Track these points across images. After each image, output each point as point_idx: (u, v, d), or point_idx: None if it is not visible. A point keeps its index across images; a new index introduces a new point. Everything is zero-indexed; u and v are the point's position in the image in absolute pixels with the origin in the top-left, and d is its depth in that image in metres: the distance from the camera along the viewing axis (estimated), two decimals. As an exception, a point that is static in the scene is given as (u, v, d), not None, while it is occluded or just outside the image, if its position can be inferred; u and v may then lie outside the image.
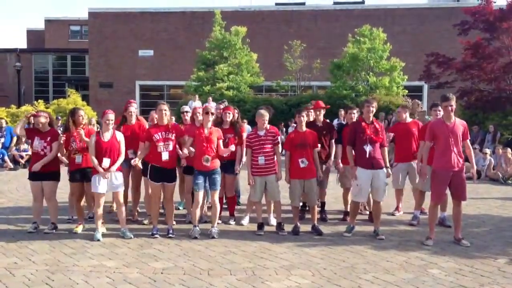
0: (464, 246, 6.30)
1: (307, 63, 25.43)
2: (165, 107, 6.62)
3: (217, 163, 6.72)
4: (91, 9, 33.36)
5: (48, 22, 40.70)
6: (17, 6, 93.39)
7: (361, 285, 5.03)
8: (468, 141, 6.53)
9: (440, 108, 7.28)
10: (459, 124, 6.37)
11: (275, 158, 7.00)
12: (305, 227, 7.06)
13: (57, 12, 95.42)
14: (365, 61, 23.04)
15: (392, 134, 7.95)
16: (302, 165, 6.78)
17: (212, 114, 6.73)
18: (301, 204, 7.60)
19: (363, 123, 6.70)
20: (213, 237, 6.53)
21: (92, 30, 33.51)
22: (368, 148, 6.58)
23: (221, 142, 6.77)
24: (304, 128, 6.94)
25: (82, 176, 6.92)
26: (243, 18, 29.24)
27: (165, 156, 6.53)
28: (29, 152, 14.96)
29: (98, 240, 6.39)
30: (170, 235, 6.61)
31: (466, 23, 20.02)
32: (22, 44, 52.96)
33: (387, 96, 21.97)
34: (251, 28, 26.68)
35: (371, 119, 6.72)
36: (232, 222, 7.46)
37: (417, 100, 9.51)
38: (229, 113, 7.39)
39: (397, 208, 8.30)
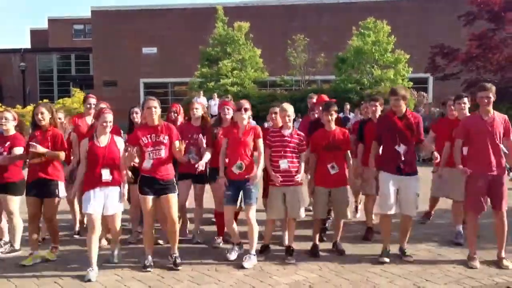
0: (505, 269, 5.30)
1: (311, 57, 25.34)
2: (154, 104, 5.29)
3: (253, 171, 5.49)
4: (94, 7, 33.38)
5: (51, 21, 40.81)
6: (20, 6, 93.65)
7: (369, 278, 5.02)
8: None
9: (465, 100, 6.33)
10: (499, 120, 5.41)
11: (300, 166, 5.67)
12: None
13: (60, 11, 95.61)
14: (369, 54, 22.92)
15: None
16: (332, 172, 5.67)
17: (246, 110, 5.48)
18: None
19: (394, 117, 5.48)
20: (243, 267, 5.30)
21: (96, 28, 33.54)
22: (401, 149, 5.39)
23: (260, 142, 5.53)
24: (334, 127, 5.80)
25: (39, 189, 5.46)
26: (246, 13, 29.14)
27: (148, 164, 5.24)
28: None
29: (89, 280, 4.95)
30: (178, 267, 5.28)
31: (471, 13, 19.91)
32: (26, 44, 53.20)
33: (392, 89, 21.86)
34: (254, 23, 26.59)
35: (403, 111, 5.50)
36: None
37: (422, 92, 9.40)
38: (228, 108, 6.02)
39: (428, 214, 7.29)
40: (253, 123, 7.22)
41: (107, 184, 5.19)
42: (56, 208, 5.62)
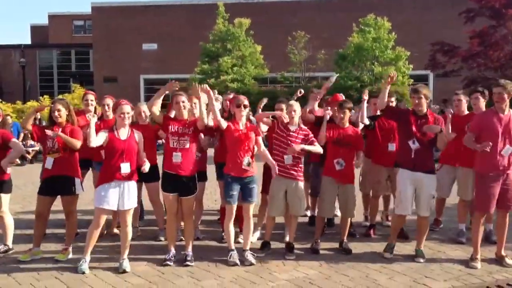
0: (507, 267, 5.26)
1: (312, 54, 25.33)
2: (182, 98, 5.28)
3: (255, 168, 5.47)
4: (94, 3, 33.35)
5: (51, 17, 40.77)
6: (21, 2, 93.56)
7: (369, 274, 5.02)
8: None
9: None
10: None
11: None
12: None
13: (60, 7, 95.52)
14: (370, 51, 22.94)
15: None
16: (337, 167, 5.65)
17: (246, 106, 5.40)
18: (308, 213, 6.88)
19: (412, 115, 5.44)
20: (251, 264, 5.27)
21: (96, 24, 33.53)
22: (414, 146, 5.34)
23: (260, 139, 5.49)
24: (347, 125, 5.78)
25: (54, 185, 5.37)
26: (247, 10, 29.11)
27: (176, 157, 5.22)
28: (36, 148, 15.07)
29: (83, 273, 4.99)
30: (188, 263, 5.25)
31: (472, 10, 19.87)
32: (26, 40, 53.16)
33: (393, 86, 21.81)
34: (254, 20, 26.58)
35: (424, 111, 5.43)
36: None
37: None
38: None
39: (436, 222, 6.76)
40: (253, 120, 7.00)
41: (123, 178, 5.07)
42: (72, 204, 5.50)
